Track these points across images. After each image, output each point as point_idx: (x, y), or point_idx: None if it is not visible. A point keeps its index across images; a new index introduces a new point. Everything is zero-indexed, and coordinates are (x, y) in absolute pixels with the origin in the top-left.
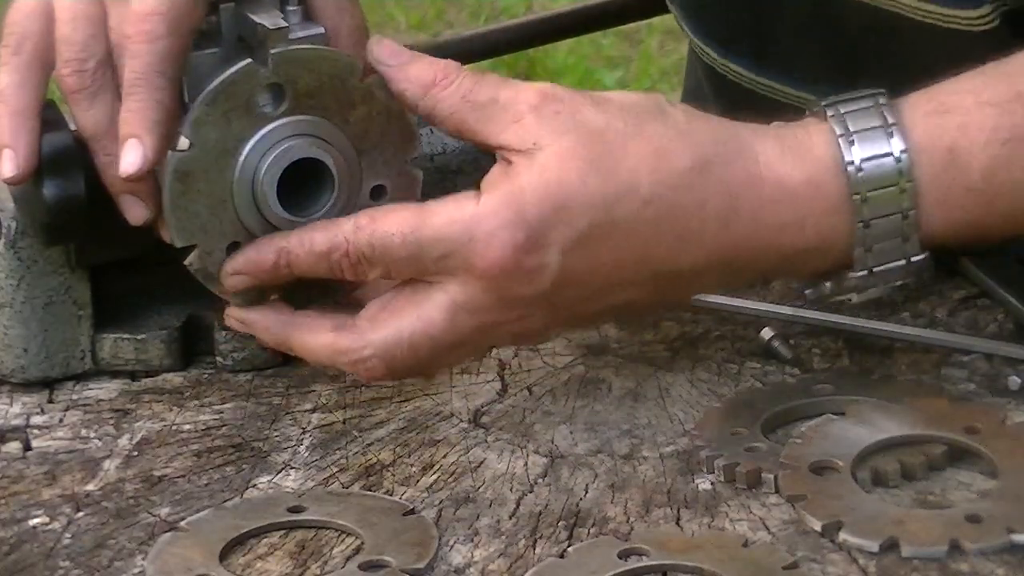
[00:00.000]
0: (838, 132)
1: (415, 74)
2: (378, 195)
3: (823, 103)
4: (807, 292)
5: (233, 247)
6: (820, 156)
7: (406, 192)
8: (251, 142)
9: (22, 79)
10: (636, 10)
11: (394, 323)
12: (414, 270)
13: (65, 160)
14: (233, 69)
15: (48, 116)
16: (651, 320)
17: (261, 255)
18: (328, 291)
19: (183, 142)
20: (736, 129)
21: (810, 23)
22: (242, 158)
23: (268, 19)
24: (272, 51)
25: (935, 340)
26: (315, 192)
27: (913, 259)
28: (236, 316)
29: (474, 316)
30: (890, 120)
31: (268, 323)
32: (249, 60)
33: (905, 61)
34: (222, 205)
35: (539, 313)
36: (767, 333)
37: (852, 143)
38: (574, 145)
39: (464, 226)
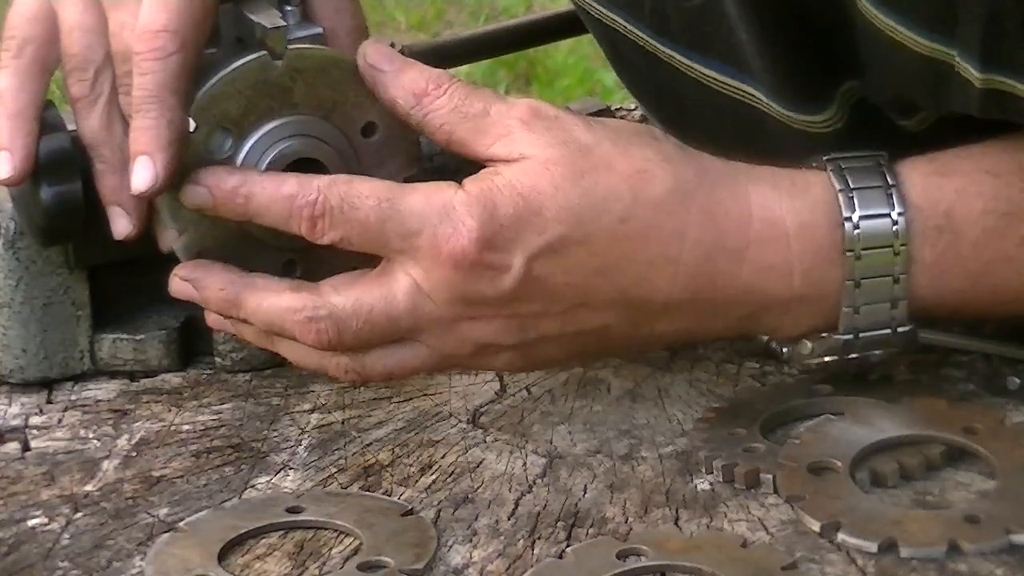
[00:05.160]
0: (838, 187)
1: (407, 83)
2: (370, 132)
3: (824, 157)
4: (784, 350)
5: None
6: (817, 203)
7: (400, 130)
8: (248, 144)
9: (21, 82)
10: None
11: (356, 293)
12: (376, 240)
13: (62, 162)
14: None
15: (47, 118)
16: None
17: (228, 173)
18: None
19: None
20: (728, 163)
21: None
22: (240, 161)
23: (266, 19)
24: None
25: (935, 340)
26: None
27: (899, 329)
28: (185, 273)
29: (435, 306)
30: (890, 180)
31: (220, 281)
32: None
33: (768, 149)
34: None
35: (499, 322)
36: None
37: (852, 199)
38: (559, 156)
39: (438, 208)
